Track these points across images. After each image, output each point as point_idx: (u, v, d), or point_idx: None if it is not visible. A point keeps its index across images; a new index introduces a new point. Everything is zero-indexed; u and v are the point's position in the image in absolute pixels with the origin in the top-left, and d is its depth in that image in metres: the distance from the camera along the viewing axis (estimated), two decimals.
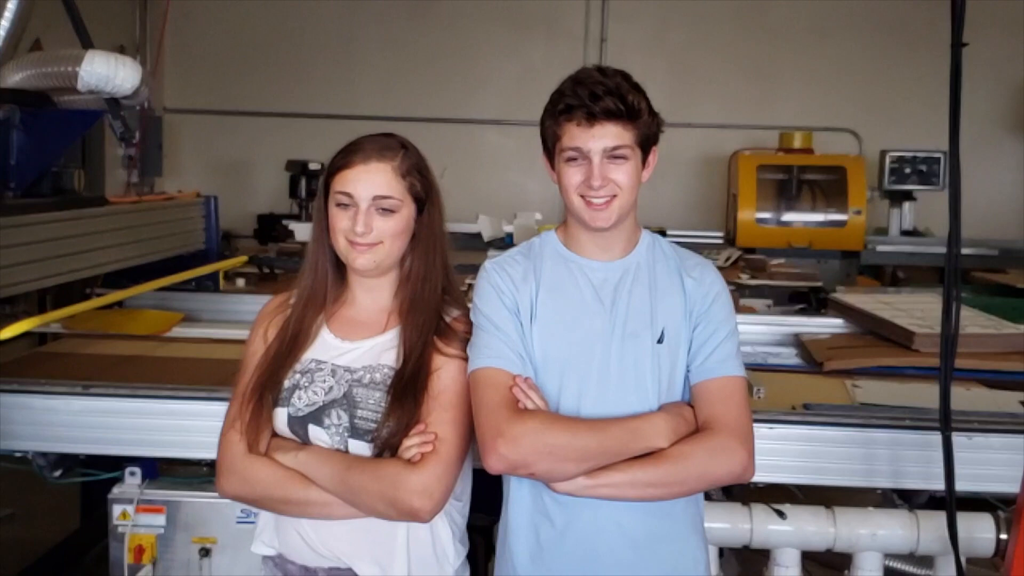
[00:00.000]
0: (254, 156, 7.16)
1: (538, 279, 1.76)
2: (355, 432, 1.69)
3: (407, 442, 1.64)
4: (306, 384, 1.74)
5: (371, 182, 1.71)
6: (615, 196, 1.69)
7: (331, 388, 1.72)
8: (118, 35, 6.50)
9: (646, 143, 1.71)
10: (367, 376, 1.72)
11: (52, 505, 3.35)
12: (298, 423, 1.72)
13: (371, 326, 1.79)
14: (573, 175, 1.70)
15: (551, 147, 1.74)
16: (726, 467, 1.64)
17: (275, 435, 1.76)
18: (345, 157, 1.73)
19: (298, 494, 1.68)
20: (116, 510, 2.33)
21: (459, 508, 1.81)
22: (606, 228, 1.73)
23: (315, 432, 1.71)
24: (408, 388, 1.68)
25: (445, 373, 1.71)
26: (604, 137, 1.66)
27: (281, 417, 1.73)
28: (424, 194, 1.76)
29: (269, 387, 1.74)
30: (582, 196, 1.70)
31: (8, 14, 2.78)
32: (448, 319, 1.78)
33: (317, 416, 1.71)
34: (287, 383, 1.75)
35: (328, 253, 1.79)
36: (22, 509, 2.83)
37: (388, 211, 1.71)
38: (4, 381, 2.32)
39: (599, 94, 1.64)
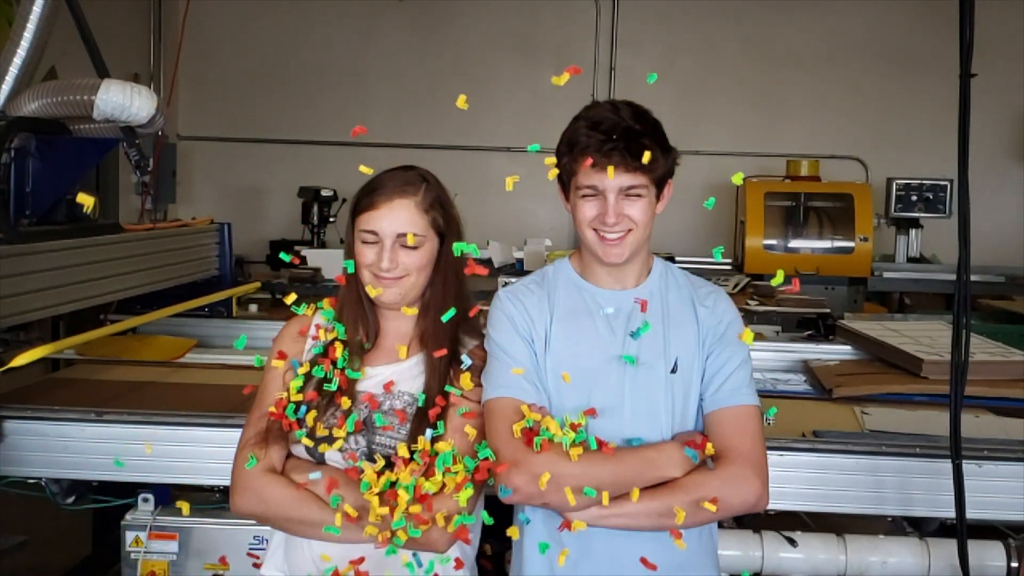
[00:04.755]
0: (266, 183, 7.19)
1: (552, 308, 1.77)
2: (371, 457, 1.70)
3: None
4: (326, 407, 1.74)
5: (395, 220, 1.73)
6: (629, 231, 1.69)
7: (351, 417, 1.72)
8: (133, 63, 6.57)
9: (661, 180, 1.72)
10: (387, 403, 1.73)
11: (64, 531, 3.35)
12: (314, 444, 1.73)
13: (392, 353, 1.80)
14: (588, 210, 1.70)
15: (566, 181, 1.74)
16: (740, 497, 1.64)
17: (290, 455, 1.76)
18: (368, 197, 1.75)
19: (314, 515, 1.67)
20: (128, 537, 2.34)
21: None
22: (619, 263, 1.73)
23: (331, 455, 1.72)
24: (427, 418, 1.69)
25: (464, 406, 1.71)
26: (619, 177, 1.66)
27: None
28: (446, 226, 1.77)
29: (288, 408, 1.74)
30: (596, 230, 1.70)
31: (24, 43, 2.79)
32: (466, 349, 1.78)
33: (334, 440, 1.72)
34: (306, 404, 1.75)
35: (359, 286, 1.80)
36: (34, 536, 2.82)
37: (412, 247, 1.73)
38: (18, 407, 2.33)
39: (614, 139, 1.63)
